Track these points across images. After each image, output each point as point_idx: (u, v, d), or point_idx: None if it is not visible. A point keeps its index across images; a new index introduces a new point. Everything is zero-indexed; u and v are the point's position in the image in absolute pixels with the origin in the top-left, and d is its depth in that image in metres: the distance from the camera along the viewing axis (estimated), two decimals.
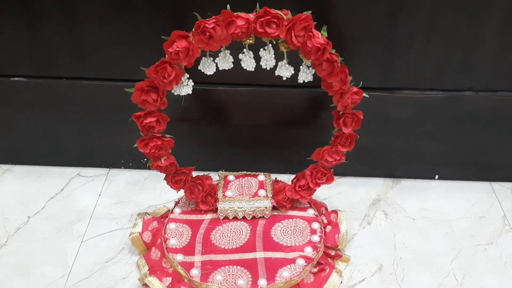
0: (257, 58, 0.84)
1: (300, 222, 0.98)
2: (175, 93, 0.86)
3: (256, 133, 1.10)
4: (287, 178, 1.08)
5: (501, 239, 1.03)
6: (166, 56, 0.80)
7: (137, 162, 1.16)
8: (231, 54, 0.84)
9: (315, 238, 0.95)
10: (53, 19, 0.97)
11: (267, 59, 0.84)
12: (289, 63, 0.85)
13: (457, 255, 0.99)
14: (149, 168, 0.92)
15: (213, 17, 0.78)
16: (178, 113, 1.03)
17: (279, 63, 0.85)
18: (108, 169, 1.17)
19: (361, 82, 0.89)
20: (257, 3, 0.80)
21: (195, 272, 0.89)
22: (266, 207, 0.99)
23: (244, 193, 1.01)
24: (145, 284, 0.90)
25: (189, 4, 0.92)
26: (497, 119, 1.06)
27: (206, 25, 0.77)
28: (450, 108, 1.05)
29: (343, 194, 1.12)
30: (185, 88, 0.85)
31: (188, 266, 0.90)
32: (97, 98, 1.07)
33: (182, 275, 0.89)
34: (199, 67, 0.85)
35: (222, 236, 0.96)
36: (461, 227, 1.05)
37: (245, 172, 1.06)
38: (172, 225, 0.97)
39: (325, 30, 0.81)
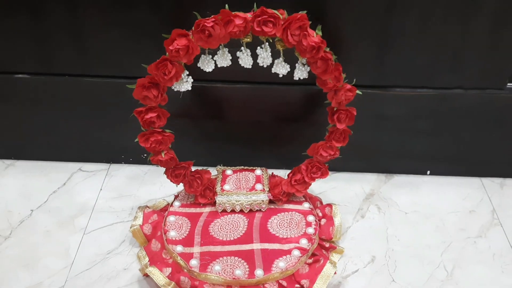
0: (254, 56, 0.85)
1: (296, 215, 1.00)
2: (175, 89, 0.87)
3: (253, 128, 1.10)
4: (283, 173, 1.10)
5: (490, 232, 1.04)
6: (167, 53, 0.81)
7: (137, 157, 1.17)
8: (229, 52, 0.85)
9: (310, 230, 0.97)
10: (56, 18, 0.97)
11: (264, 57, 0.85)
12: (285, 61, 0.86)
13: (447, 247, 1.01)
14: (149, 162, 0.94)
15: (212, 16, 0.79)
16: (178, 109, 1.04)
17: (276, 61, 0.86)
18: (108, 164, 1.18)
19: (354, 80, 0.89)
20: (255, 3, 0.81)
21: (194, 263, 0.90)
22: (262, 201, 1.01)
23: (241, 187, 1.02)
24: (145, 274, 0.92)
25: (189, 3, 0.92)
26: (485, 116, 1.07)
27: (206, 24, 0.78)
28: (440, 106, 1.06)
29: (338, 188, 1.13)
30: (185, 84, 0.86)
31: (188, 257, 0.91)
32: (98, 95, 1.07)
33: (182, 265, 0.91)
34: (199, 64, 0.86)
35: (220, 228, 0.98)
36: (451, 220, 1.07)
37: (242, 167, 1.07)
38: (171, 218, 0.99)
39: (320, 29, 0.82)
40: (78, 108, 1.10)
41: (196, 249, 0.93)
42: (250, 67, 0.86)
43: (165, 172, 0.97)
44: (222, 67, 0.86)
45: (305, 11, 0.80)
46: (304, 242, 0.95)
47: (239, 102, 1.07)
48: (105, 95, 1.07)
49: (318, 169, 0.98)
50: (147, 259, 0.94)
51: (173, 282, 0.88)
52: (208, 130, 1.12)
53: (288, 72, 0.87)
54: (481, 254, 1.00)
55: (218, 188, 1.02)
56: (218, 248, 0.94)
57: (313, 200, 1.06)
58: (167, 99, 0.86)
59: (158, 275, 0.89)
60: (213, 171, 1.06)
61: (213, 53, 0.85)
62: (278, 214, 1.01)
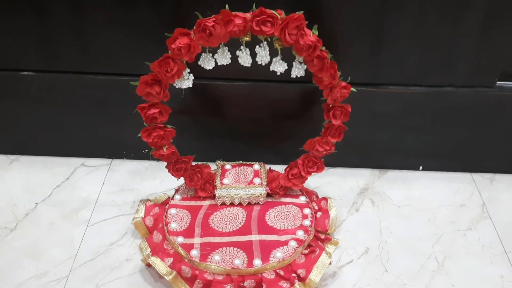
0: (253, 55, 0.86)
1: (293, 208, 1.02)
2: (177, 86, 0.88)
3: (251, 125, 1.12)
4: (281, 168, 1.11)
5: (480, 225, 1.07)
6: (169, 51, 0.82)
7: (138, 153, 1.18)
8: (229, 50, 0.86)
9: (307, 222, 0.99)
10: (60, 16, 0.98)
11: (263, 55, 0.86)
12: (283, 59, 0.87)
13: (438, 239, 1.03)
14: (151, 157, 0.95)
15: (213, 16, 0.80)
16: (179, 106, 1.05)
17: (274, 59, 0.87)
18: (111, 159, 1.19)
19: (349, 77, 0.91)
20: (254, 3, 0.82)
21: (194, 253, 0.93)
22: (260, 194, 1.03)
23: (240, 181, 1.05)
24: (148, 264, 0.94)
25: (190, 3, 0.93)
26: (476, 113, 1.08)
27: (207, 23, 0.80)
28: (432, 103, 1.07)
29: (333, 183, 1.15)
30: (186, 81, 0.88)
31: (188, 247, 0.94)
32: (101, 92, 1.08)
33: (183, 255, 0.93)
34: (199, 62, 0.87)
35: (220, 220, 1.00)
36: (442, 214, 1.09)
37: (241, 161, 1.09)
38: (172, 210, 1.01)
39: (316, 29, 0.84)
40: (81, 105, 1.11)
41: (197, 240, 0.95)
42: (249, 65, 0.87)
43: (167, 166, 0.98)
44: (222, 65, 0.87)
45: (302, 12, 0.81)
46: (300, 234, 0.97)
47: (238, 99, 1.08)
48: (108, 92, 1.09)
49: (314, 164, 1.01)
50: (149, 249, 0.96)
51: (174, 271, 0.90)
52: (208, 126, 1.13)
53: (286, 70, 0.88)
54: (470, 246, 1.02)
55: (217, 182, 1.04)
56: (217, 239, 0.96)
57: (309, 194, 1.08)
58: (169, 96, 0.88)
59: (160, 265, 0.91)
60: (213, 166, 1.08)
61: (213, 51, 0.86)
62: (276, 207, 1.03)
